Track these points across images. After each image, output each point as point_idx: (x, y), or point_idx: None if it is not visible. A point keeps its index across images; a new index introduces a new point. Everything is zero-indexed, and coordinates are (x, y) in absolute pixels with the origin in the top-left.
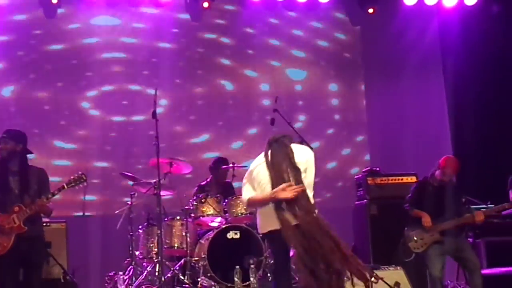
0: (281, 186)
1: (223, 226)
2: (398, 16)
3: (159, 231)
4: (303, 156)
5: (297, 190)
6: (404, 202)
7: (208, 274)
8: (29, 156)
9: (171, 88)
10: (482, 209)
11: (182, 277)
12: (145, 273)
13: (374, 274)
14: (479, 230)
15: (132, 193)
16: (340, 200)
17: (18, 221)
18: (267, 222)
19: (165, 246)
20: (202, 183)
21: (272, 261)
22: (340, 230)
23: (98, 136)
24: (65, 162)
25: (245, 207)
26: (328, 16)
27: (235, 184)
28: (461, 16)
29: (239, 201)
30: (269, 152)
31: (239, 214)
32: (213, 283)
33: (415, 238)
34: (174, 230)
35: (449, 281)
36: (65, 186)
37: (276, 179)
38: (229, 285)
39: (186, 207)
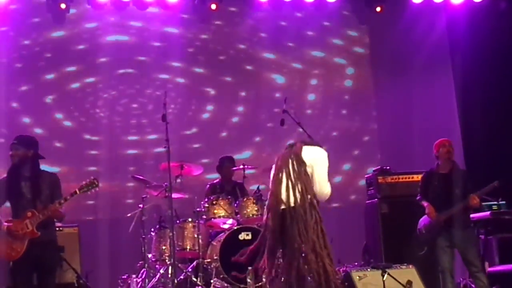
0: None
1: (235, 228)
2: (405, 13)
3: (171, 234)
4: (310, 154)
5: None
6: (416, 194)
7: (221, 276)
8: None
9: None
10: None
11: (195, 279)
12: (158, 276)
13: None
14: (491, 227)
15: (143, 196)
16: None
17: (31, 226)
18: None
19: (178, 248)
20: (214, 182)
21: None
22: (352, 229)
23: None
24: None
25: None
26: (336, 15)
27: (252, 187)
28: (469, 13)
29: (250, 202)
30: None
31: (251, 215)
32: (226, 285)
33: (423, 230)
34: (186, 232)
35: (461, 278)
36: (77, 191)
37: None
38: (242, 286)
39: (198, 209)
